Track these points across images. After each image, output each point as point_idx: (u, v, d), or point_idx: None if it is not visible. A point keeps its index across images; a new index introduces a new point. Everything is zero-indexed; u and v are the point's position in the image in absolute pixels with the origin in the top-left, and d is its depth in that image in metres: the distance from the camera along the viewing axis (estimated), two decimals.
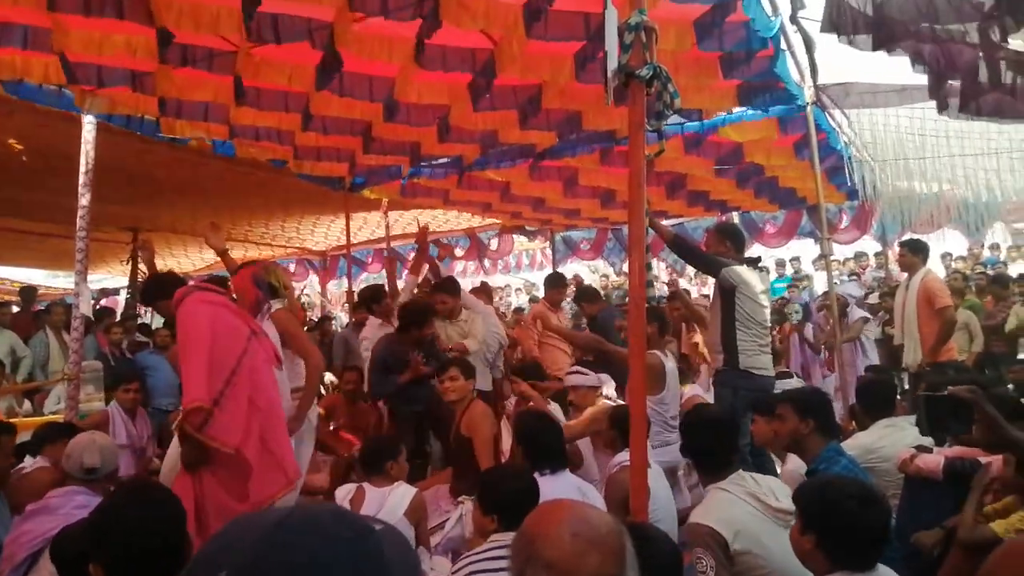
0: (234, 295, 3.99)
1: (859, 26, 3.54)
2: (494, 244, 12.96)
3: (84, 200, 4.78)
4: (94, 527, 1.97)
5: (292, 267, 15.07)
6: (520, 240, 13.35)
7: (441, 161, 7.13)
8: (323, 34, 4.15)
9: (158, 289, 3.88)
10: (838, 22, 3.46)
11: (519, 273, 16.47)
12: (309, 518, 0.77)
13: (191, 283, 3.86)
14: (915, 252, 6.49)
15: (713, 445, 2.91)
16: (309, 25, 4.10)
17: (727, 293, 4.72)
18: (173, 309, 3.53)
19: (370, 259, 13.81)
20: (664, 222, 10.57)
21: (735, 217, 10.62)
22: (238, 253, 13.37)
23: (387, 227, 9.96)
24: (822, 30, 3.57)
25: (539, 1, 3.79)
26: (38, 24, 4.07)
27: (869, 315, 8.33)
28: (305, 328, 8.43)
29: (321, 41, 4.19)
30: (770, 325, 4.99)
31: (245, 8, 3.64)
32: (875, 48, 3.56)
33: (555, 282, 7.48)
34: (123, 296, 13.94)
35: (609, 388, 4.87)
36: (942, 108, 3.99)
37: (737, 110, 5.71)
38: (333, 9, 3.95)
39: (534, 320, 7.16)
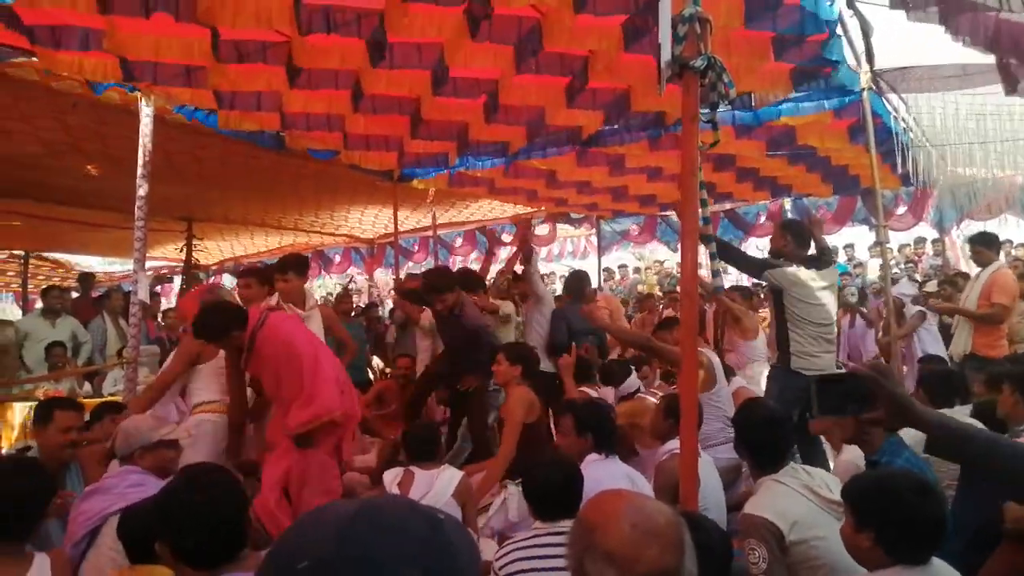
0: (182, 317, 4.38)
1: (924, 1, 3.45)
2: (540, 231, 12.93)
3: (142, 191, 4.92)
4: (161, 508, 2.04)
5: (338, 255, 15.26)
6: (565, 228, 13.29)
7: (488, 150, 7.13)
8: (372, 20, 4.20)
9: (232, 321, 3.92)
10: None
11: (563, 261, 16.45)
12: (382, 511, 0.79)
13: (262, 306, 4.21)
14: (988, 246, 6.29)
15: (769, 440, 2.89)
16: (359, 14, 4.16)
17: (776, 293, 4.68)
18: (245, 338, 3.86)
19: (416, 247, 13.92)
20: (715, 205, 10.51)
21: (787, 202, 10.44)
22: (288, 241, 13.65)
23: (433, 216, 10.06)
24: (891, 7, 3.47)
25: None
26: (96, 26, 4.19)
27: (926, 310, 8.14)
28: (352, 314, 8.61)
29: (370, 28, 4.25)
30: (833, 320, 4.86)
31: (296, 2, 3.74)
32: (941, 21, 3.45)
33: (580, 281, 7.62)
34: (178, 283, 14.30)
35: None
36: (1010, 90, 3.83)
37: (791, 103, 5.62)
38: None
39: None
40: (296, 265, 5.00)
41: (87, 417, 4.28)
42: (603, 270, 13.48)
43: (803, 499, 2.68)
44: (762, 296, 8.96)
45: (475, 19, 4.19)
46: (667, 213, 11.15)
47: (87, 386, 7.25)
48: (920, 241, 12.30)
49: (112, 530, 2.73)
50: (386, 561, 0.73)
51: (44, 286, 9.88)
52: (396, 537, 0.75)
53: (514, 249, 6.94)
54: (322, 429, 3.88)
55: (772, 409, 3.19)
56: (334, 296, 12.39)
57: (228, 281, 14.60)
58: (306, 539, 0.77)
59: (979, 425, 3.80)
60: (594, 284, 12.99)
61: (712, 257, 3.18)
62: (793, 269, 4.67)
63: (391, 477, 3.68)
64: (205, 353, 4.33)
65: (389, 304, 13.26)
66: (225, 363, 4.25)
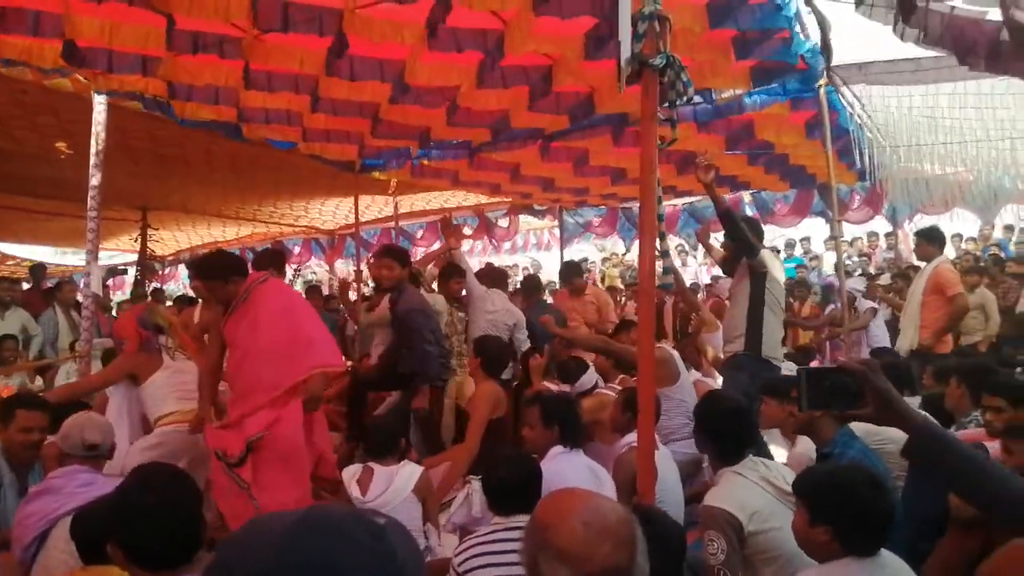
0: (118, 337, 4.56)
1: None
2: (502, 223, 12.93)
3: (95, 179, 4.80)
4: (114, 508, 2.00)
5: (298, 247, 15.09)
6: (528, 220, 13.31)
7: (451, 143, 7.10)
8: (332, 20, 4.14)
9: (234, 266, 3.99)
10: None
11: (527, 253, 16.47)
12: (325, 520, 0.78)
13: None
14: (931, 241, 6.49)
15: (732, 432, 2.93)
16: (318, 12, 4.10)
17: (759, 277, 4.70)
18: (241, 289, 3.88)
19: (376, 239, 13.82)
20: (675, 200, 10.61)
21: (745, 196, 10.58)
22: (246, 231, 13.45)
23: (395, 207, 9.98)
24: (856, 8, 3.51)
25: None
26: (49, 10, 4.07)
27: (876, 306, 8.37)
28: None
29: (331, 28, 4.19)
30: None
31: None
32: (896, 22, 3.51)
33: (571, 271, 7.62)
34: (132, 274, 14.00)
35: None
36: (963, 60, 3.88)
37: (751, 95, 5.69)
38: None
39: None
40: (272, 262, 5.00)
41: None
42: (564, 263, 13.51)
43: (761, 491, 2.74)
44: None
45: (434, 26, 4.14)
46: (628, 205, 11.24)
47: (39, 380, 7.08)
48: (873, 235, 12.59)
49: (62, 532, 2.67)
50: (328, 570, 0.73)
51: None
52: (340, 546, 0.75)
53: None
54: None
55: (736, 401, 3.24)
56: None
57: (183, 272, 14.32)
58: (245, 550, 0.76)
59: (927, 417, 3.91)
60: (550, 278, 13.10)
61: (664, 255, 3.20)
62: (770, 254, 4.76)
63: (349, 474, 3.65)
64: (142, 371, 4.31)
65: (352, 296, 13.13)
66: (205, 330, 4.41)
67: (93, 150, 4.79)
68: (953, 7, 3.51)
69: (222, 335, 4.00)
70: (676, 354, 5.06)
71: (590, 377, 4.98)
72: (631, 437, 3.63)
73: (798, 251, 12.88)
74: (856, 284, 9.15)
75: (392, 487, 3.53)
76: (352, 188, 8.49)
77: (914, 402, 4.36)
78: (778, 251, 4.89)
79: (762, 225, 5.20)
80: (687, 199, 10.94)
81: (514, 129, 6.27)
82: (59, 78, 4.98)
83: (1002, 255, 9.58)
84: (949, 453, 1.57)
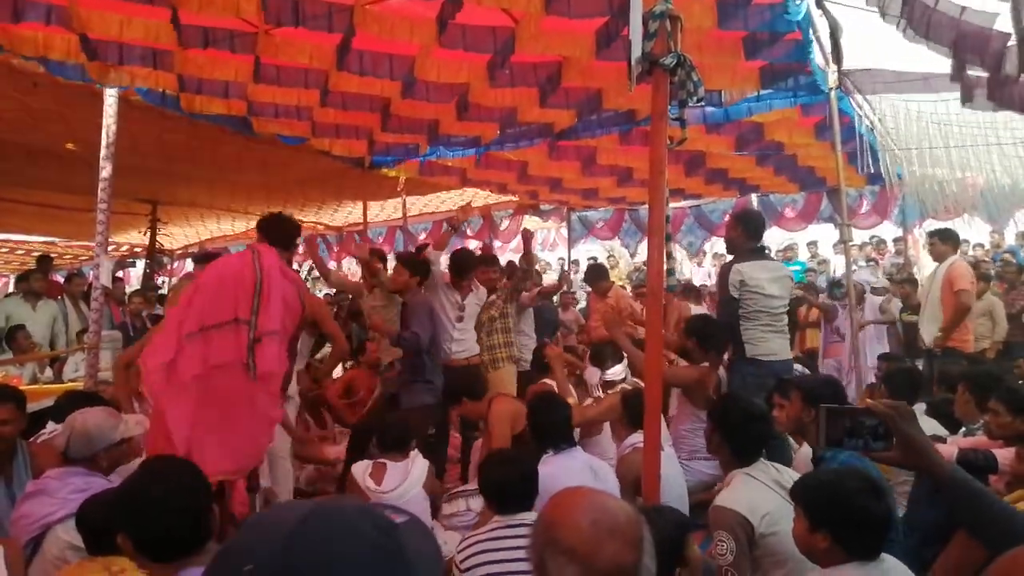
0: None
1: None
2: (504, 224, 12.92)
3: (105, 173, 4.82)
4: (124, 499, 2.01)
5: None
6: (534, 220, 13.28)
7: (459, 140, 7.11)
8: (342, 16, 4.15)
9: None
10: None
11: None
12: (334, 514, 0.78)
13: None
14: (944, 241, 6.55)
15: (746, 434, 2.91)
16: (329, 8, 4.10)
17: (731, 299, 4.73)
18: None
19: (381, 239, 13.86)
20: (682, 202, 10.63)
21: (754, 200, 10.56)
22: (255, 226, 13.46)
23: (404, 205, 9.98)
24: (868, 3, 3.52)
25: None
26: (60, 3, 4.09)
27: (888, 300, 8.40)
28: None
29: (341, 24, 4.19)
30: (786, 309, 4.91)
31: None
32: (903, 15, 3.51)
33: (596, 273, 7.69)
34: (141, 266, 14.04)
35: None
36: (966, 99, 3.91)
37: (760, 100, 5.68)
38: None
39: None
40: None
41: (51, 403, 4.16)
42: (572, 262, 13.52)
43: (773, 493, 2.74)
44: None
45: (444, 22, 4.13)
46: (635, 207, 11.25)
47: (48, 371, 7.11)
48: (881, 242, 12.56)
49: (56, 538, 2.70)
50: (335, 564, 0.73)
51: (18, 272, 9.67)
52: (347, 540, 0.75)
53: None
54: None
55: (752, 403, 3.23)
56: None
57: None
58: (254, 541, 0.76)
59: (934, 423, 3.91)
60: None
61: (668, 256, 3.18)
62: (743, 265, 4.72)
63: (362, 469, 3.68)
64: None
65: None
66: None
67: (104, 143, 4.80)
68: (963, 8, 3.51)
69: None
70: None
71: (621, 368, 4.96)
72: (635, 437, 3.63)
73: (803, 255, 12.83)
74: (865, 276, 9.15)
75: (407, 480, 3.60)
76: (361, 188, 8.45)
77: (919, 408, 4.35)
78: (763, 252, 4.71)
79: (760, 227, 5.09)
80: (694, 201, 10.95)
81: (522, 124, 6.28)
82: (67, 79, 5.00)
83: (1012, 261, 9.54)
84: (978, 505, 1.56)
